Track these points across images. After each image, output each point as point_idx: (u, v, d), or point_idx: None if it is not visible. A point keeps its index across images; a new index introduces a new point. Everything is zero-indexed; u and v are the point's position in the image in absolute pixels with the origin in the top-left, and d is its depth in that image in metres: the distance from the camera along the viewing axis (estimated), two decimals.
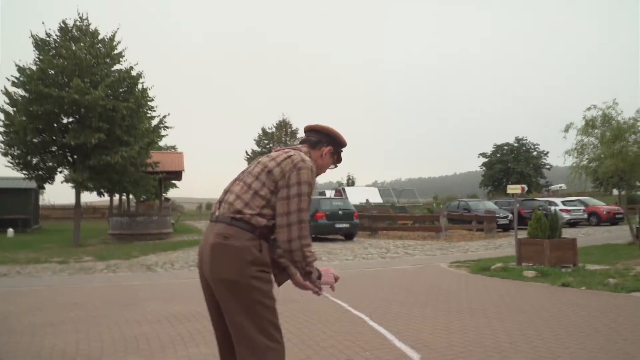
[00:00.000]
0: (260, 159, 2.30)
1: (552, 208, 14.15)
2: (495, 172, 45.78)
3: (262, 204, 2.14)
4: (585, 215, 22.72)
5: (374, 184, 47.17)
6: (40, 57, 15.00)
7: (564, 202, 23.34)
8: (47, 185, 17.46)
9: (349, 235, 17.34)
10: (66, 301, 6.65)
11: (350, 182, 42.40)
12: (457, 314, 5.38)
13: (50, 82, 14.43)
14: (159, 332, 4.88)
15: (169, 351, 4.23)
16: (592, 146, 12.77)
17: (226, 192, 2.28)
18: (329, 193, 27.37)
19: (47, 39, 15.36)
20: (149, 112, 17.50)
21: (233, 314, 2.11)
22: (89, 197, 25.68)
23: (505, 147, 46.89)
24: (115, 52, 15.92)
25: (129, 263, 11.04)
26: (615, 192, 22.65)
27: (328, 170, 2.52)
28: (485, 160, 47.74)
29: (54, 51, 15.18)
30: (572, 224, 21.79)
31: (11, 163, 15.35)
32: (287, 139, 44.53)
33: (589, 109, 12.71)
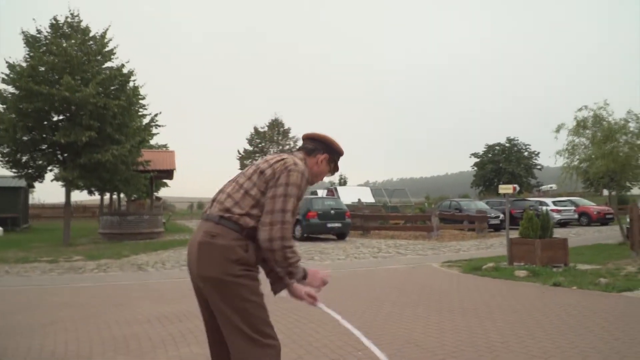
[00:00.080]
0: (255, 162, 2.35)
1: (543, 208, 14.22)
2: (486, 172, 45.99)
3: (252, 204, 2.15)
4: (576, 216, 22.89)
5: (366, 184, 47.20)
6: (31, 54, 14.85)
7: (554, 202, 23.48)
8: (37, 184, 17.35)
9: (341, 235, 17.37)
10: (55, 301, 6.59)
11: (343, 182, 42.44)
12: (448, 314, 5.38)
13: (41, 79, 14.30)
14: (150, 331, 4.83)
15: (160, 351, 4.19)
16: (583, 147, 12.84)
17: (220, 191, 2.32)
18: (321, 192, 27.34)
19: (38, 35, 15.21)
20: (141, 110, 17.40)
21: (222, 313, 2.11)
22: (80, 196, 25.54)
23: (497, 147, 47.14)
24: (107, 49, 15.78)
25: (120, 262, 10.96)
26: (605, 192, 22.78)
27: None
28: (477, 160, 47.98)
29: (44, 48, 15.03)
30: (563, 224, 21.94)
31: (0, 161, 15.19)
32: (279, 138, 44.52)
33: (580, 109, 12.80)
